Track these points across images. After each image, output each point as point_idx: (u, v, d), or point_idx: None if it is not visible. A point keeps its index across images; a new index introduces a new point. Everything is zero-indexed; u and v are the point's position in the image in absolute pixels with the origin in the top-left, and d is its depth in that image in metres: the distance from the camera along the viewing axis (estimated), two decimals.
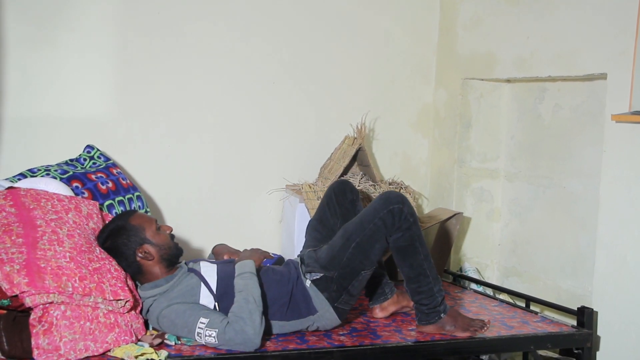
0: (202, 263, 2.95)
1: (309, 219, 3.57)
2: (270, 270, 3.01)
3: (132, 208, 3.32)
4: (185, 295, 2.77)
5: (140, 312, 2.77)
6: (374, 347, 2.80)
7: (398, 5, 4.26)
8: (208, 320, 2.64)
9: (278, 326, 2.88)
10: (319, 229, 3.29)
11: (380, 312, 3.22)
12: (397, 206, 2.87)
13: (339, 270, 2.92)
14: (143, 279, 2.84)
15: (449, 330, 2.94)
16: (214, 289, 2.81)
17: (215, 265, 2.93)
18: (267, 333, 2.78)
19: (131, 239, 2.80)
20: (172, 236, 2.92)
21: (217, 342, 2.60)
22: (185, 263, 2.96)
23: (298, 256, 3.17)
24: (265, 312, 2.75)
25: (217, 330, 2.60)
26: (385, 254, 3.61)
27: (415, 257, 2.92)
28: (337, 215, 3.28)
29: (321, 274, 2.95)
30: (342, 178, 3.53)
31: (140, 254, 2.80)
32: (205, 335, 2.61)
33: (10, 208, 2.74)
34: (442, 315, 2.94)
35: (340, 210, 3.28)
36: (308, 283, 2.97)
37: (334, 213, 3.28)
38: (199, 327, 2.63)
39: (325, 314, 2.93)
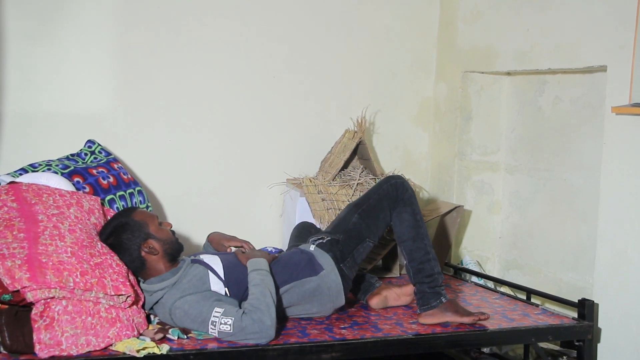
0: (202, 255, 2.97)
1: (310, 213, 3.60)
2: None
3: (134, 203, 3.32)
4: (196, 285, 2.78)
5: (143, 306, 2.77)
6: (375, 341, 2.80)
7: None
8: (223, 309, 2.65)
9: (281, 292, 2.90)
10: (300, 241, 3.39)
11: (375, 299, 3.22)
12: (398, 180, 3.13)
13: (344, 234, 3.08)
14: (146, 274, 2.85)
15: (450, 316, 2.94)
16: (222, 276, 2.83)
17: (217, 256, 2.96)
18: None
19: (135, 234, 2.82)
20: (173, 232, 2.94)
21: (232, 330, 2.60)
22: (187, 257, 2.98)
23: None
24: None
25: (233, 318, 2.61)
26: (383, 248, 3.63)
27: (417, 231, 3.06)
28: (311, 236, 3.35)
29: (327, 238, 3.07)
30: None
31: (145, 249, 2.81)
32: (221, 324, 2.61)
33: (12, 203, 2.74)
34: (442, 299, 2.97)
35: (309, 235, 3.38)
36: (312, 247, 3.05)
37: (307, 234, 3.39)
38: (214, 316, 2.63)
39: (330, 274, 2.96)
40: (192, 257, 2.96)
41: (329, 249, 3.03)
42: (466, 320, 2.96)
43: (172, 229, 2.95)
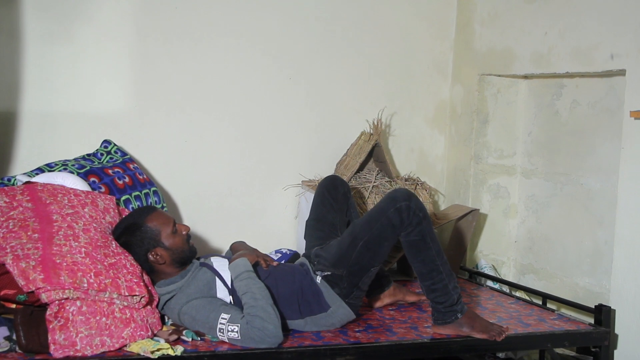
0: (213, 258, 2.96)
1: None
2: (280, 267, 3.04)
3: (149, 203, 3.32)
4: (202, 290, 2.78)
5: (156, 306, 2.77)
6: (389, 344, 2.79)
7: (415, 0, 4.25)
8: (229, 315, 2.64)
9: (294, 326, 2.88)
10: (319, 227, 3.30)
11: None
12: (404, 204, 2.83)
13: (347, 269, 2.92)
14: (154, 277, 2.84)
15: (465, 331, 2.89)
16: (229, 283, 2.82)
17: (226, 261, 2.94)
18: (285, 329, 2.77)
19: (145, 240, 2.80)
20: (189, 237, 2.91)
21: (239, 337, 2.59)
22: (197, 258, 2.97)
23: (303, 255, 3.19)
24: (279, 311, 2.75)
25: (239, 325, 2.60)
26: (398, 251, 3.61)
27: (427, 253, 2.88)
28: (334, 210, 3.31)
29: (331, 272, 2.95)
30: (331, 175, 3.55)
31: (151, 256, 2.79)
32: (228, 331, 2.61)
33: (27, 203, 2.75)
34: (458, 315, 2.90)
35: (335, 204, 3.32)
36: (319, 279, 2.97)
37: (330, 208, 3.31)
38: (220, 323, 2.63)
39: (338, 310, 2.92)
40: (202, 260, 2.95)
41: (335, 284, 2.94)
42: (482, 337, 2.88)
43: (188, 232, 2.92)
